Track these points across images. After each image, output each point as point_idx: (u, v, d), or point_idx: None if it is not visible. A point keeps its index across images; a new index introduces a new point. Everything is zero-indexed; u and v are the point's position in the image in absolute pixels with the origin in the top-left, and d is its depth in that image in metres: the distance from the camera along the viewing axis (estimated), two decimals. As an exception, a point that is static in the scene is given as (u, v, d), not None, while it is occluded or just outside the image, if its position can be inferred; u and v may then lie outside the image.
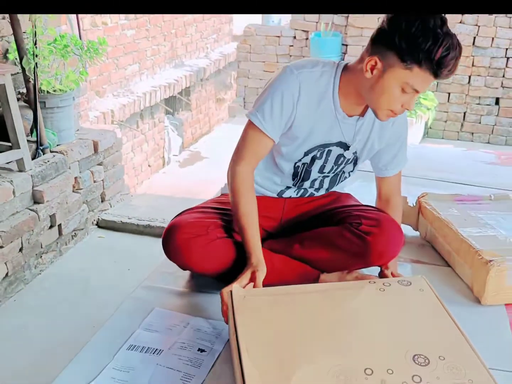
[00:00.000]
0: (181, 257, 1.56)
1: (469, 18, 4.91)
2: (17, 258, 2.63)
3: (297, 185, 1.73)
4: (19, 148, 2.64)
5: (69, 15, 3.30)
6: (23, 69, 2.75)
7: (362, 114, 1.59)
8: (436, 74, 1.38)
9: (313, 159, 1.64)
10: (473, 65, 5.06)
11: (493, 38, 4.93)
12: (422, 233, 1.97)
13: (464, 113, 5.24)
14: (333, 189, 1.79)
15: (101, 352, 1.39)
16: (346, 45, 5.40)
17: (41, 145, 2.84)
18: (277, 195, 1.75)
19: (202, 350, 1.40)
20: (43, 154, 2.86)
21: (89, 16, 3.83)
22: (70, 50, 2.90)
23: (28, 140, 2.76)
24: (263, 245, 1.61)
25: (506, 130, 5.17)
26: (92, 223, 3.29)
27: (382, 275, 1.61)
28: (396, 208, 1.73)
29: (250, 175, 1.61)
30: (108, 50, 3.48)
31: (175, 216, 1.66)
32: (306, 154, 1.62)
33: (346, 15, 5.41)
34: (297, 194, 1.76)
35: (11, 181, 2.58)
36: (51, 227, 2.84)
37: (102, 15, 4.02)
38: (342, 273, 1.66)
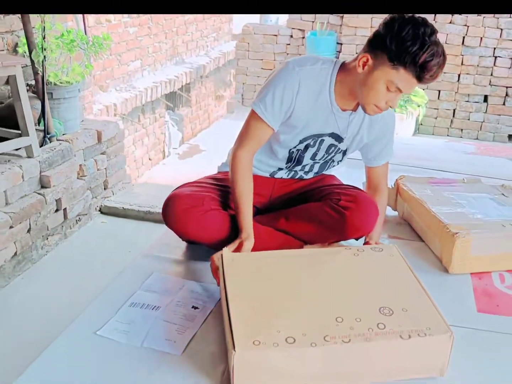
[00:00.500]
0: (179, 225, 1.73)
1: (458, 18, 5.08)
2: (25, 238, 2.80)
3: (289, 168, 1.90)
4: (28, 135, 2.82)
5: (75, 12, 3.48)
6: (32, 61, 2.92)
7: (355, 109, 1.75)
8: (419, 77, 1.54)
9: (307, 147, 1.81)
10: (462, 64, 5.23)
11: (481, 38, 5.10)
12: (400, 212, 2.15)
13: (454, 110, 5.41)
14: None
15: (105, 308, 1.56)
16: (341, 44, 5.57)
17: (48, 133, 3.02)
18: (269, 175, 1.93)
19: (195, 307, 1.57)
20: (50, 142, 3.04)
21: (93, 14, 4.01)
22: (76, 44, 3.07)
23: (36, 129, 2.94)
24: (253, 218, 1.79)
25: (493, 126, 5.34)
26: (95, 209, 3.46)
27: (366, 245, 1.77)
28: (383, 193, 1.91)
29: (250, 160, 1.78)
30: (111, 46, 3.65)
31: (174, 189, 1.83)
32: (301, 142, 1.79)
33: (341, 15, 5.59)
34: (287, 176, 1.94)
35: (20, 166, 2.75)
36: (57, 210, 3.02)
37: (106, 12, 4.20)
38: (322, 245, 1.83)
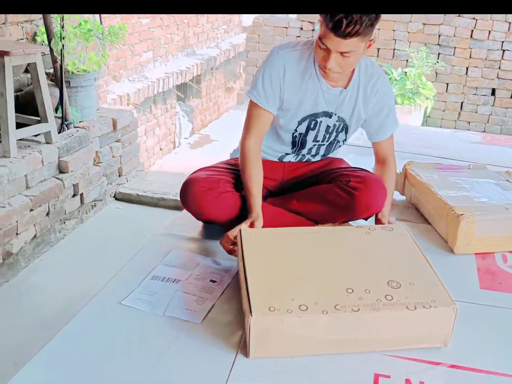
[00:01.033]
0: (196, 206, 1.83)
1: (467, 11, 5.13)
2: (44, 221, 2.90)
3: (295, 152, 1.99)
4: (47, 122, 2.91)
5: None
6: (51, 50, 3.02)
7: (346, 86, 1.84)
8: (334, 30, 1.59)
9: (307, 130, 1.91)
10: (470, 57, 5.29)
11: (489, 31, 5.16)
12: (408, 197, 2.23)
13: (462, 102, 5.48)
14: (328, 156, 2.05)
15: (128, 281, 1.65)
16: (350, 37, 5.63)
17: (66, 120, 3.11)
18: (278, 159, 2.02)
19: (213, 281, 1.66)
20: (68, 129, 3.13)
21: (108, 5, 4.09)
22: (93, 34, 3.16)
23: (54, 116, 3.03)
24: (265, 201, 1.88)
25: (501, 119, 5.40)
26: (110, 195, 3.56)
27: (377, 223, 1.85)
28: (391, 167, 1.98)
29: (257, 145, 1.88)
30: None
31: (191, 174, 1.93)
32: (299, 123, 1.89)
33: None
34: (295, 159, 2.03)
35: (40, 151, 2.85)
36: (74, 195, 3.12)
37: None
38: (333, 224, 1.92)
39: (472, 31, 5.20)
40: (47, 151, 2.89)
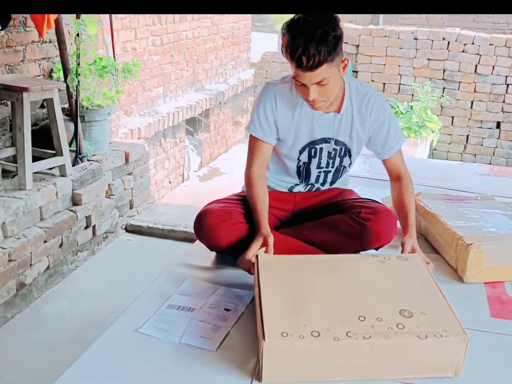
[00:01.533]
0: (211, 236, 1.87)
1: (470, 47, 5.26)
2: (57, 253, 2.94)
3: (303, 182, 2.05)
4: (62, 155, 2.98)
5: (105, 40, 3.68)
6: (67, 86, 3.11)
7: (339, 110, 1.91)
8: (299, 67, 1.69)
9: (309, 158, 1.98)
10: (475, 91, 5.39)
11: (493, 66, 5.26)
12: (417, 226, 2.25)
13: (467, 135, 5.55)
14: (337, 184, 2.10)
15: (144, 310, 1.68)
16: (357, 72, 5.76)
17: (80, 154, 3.19)
18: (288, 190, 2.08)
19: (227, 310, 1.69)
20: (81, 162, 3.20)
21: (120, 42, 4.22)
22: (107, 70, 3.26)
23: (68, 150, 3.10)
24: (277, 231, 1.93)
25: (506, 152, 5.46)
26: (121, 227, 3.61)
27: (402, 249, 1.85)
28: (406, 179, 2.02)
29: (260, 174, 1.96)
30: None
31: (205, 206, 1.98)
32: (300, 153, 1.97)
33: (357, 44, 5.78)
34: (305, 189, 2.08)
35: (55, 183, 2.92)
36: (86, 227, 3.17)
37: (133, 41, 4.42)
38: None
39: (476, 66, 5.30)
40: (62, 184, 2.95)
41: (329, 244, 1.94)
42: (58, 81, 3.26)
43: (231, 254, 1.93)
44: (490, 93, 5.36)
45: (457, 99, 5.54)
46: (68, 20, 3.26)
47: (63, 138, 2.97)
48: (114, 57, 3.67)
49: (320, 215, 2.02)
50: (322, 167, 2.01)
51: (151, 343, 1.53)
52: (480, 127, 5.49)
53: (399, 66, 5.71)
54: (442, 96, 5.51)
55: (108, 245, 3.44)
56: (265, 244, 1.78)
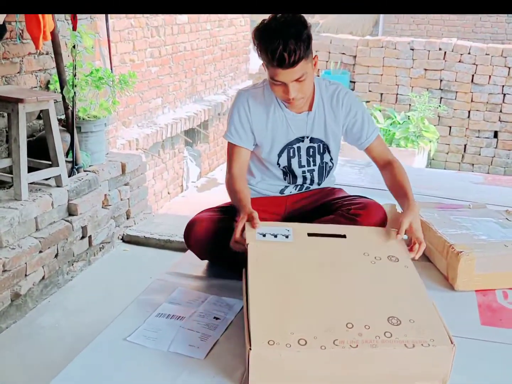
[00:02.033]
0: (200, 244, 1.88)
1: (467, 57, 5.28)
2: (53, 263, 2.95)
3: (292, 183, 2.08)
4: (58, 166, 3.00)
5: (102, 52, 3.71)
6: (63, 97, 3.13)
7: (310, 108, 1.96)
8: (280, 65, 1.73)
9: (289, 159, 2.02)
10: (472, 101, 5.41)
11: (490, 76, 5.29)
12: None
13: (465, 145, 5.56)
14: (325, 182, 2.13)
15: (134, 318, 1.68)
16: (354, 82, 5.79)
17: (76, 164, 3.20)
18: (280, 193, 2.11)
19: (217, 318, 1.69)
20: (78, 172, 3.22)
21: (118, 54, 4.25)
22: (104, 82, 3.28)
23: (65, 160, 3.12)
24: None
25: (504, 161, 5.47)
26: (118, 237, 3.61)
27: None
28: (395, 163, 2.02)
29: (240, 174, 1.98)
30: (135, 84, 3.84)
31: (195, 215, 1.99)
32: (279, 156, 2.01)
33: (354, 55, 5.81)
34: (296, 190, 2.11)
35: (50, 194, 2.93)
36: (82, 238, 3.17)
37: (131, 53, 4.45)
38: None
39: (473, 75, 5.33)
40: (57, 194, 2.96)
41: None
42: (55, 92, 3.28)
43: (220, 263, 1.94)
44: (487, 102, 5.38)
45: (454, 109, 5.56)
46: (64, 32, 3.29)
47: (59, 149, 2.99)
48: (111, 68, 3.71)
49: (311, 217, 2.03)
50: (304, 165, 2.04)
51: (140, 351, 1.53)
52: (478, 137, 5.51)
53: (396, 76, 5.74)
54: (439, 106, 5.53)
55: (105, 256, 3.45)
56: (250, 219, 1.74)
